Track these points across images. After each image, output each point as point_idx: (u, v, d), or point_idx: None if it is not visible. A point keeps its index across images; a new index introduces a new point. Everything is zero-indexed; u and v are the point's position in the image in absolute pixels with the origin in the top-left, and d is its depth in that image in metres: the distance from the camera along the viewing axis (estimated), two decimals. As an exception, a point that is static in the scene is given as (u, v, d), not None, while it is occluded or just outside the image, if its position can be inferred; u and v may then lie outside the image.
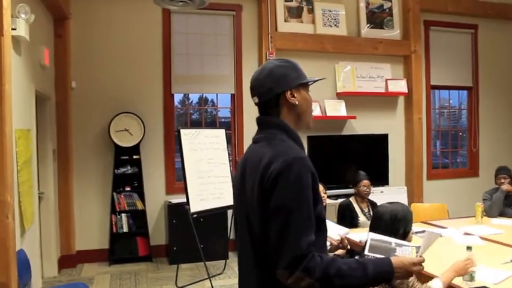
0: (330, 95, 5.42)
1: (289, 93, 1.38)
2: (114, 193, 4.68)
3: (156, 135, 4.95)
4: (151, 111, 4.94)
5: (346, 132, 5.46)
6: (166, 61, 4.98)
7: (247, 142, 5.16)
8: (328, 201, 4.72)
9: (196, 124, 5.55)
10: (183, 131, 4.11)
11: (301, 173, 1.24)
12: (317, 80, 1.47)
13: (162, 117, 4.98)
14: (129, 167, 4.76)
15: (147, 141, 4.88)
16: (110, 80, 4.83)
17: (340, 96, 5.44)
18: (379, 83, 5.61)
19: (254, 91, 1.41)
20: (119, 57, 4.86)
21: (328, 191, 4.45)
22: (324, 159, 5.18)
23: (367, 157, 5.39)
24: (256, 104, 1.42)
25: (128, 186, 4.76)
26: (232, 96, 5.25)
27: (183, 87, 5.11)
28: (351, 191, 4.14)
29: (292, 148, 1.32)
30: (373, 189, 4.27)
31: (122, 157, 4.71)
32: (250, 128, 5.14)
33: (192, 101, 5.70)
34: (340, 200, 4.27)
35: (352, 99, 5.46)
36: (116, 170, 4.68)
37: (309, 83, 1.44)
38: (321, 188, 3.64)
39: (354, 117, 5.38)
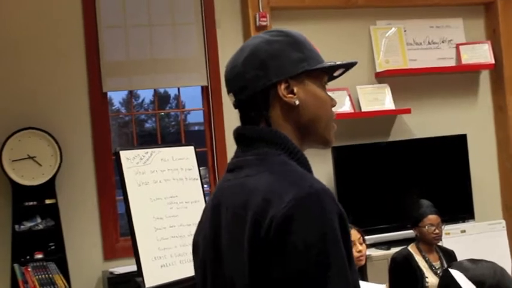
0: (364, 78, 5.46)
1: (283, 86, 1.41)
2: (16, 265, 4.59)
3: (81, 162, 4.95)
4: (72, 124, 4.93)
5: (395, 136, 5.48)
6: (90, 40, 4.99)
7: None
8: (372, 252, 4.75)
9: (149, 138, 5.49)
10: (124, 154, 4.08)
11: (325, 217, 1.23)
12: (339, 66, 1.49)
13: (90, 132, 4.99)
14: (38, 220, 4.71)
15: (68, 173, 4.87)
16: (-2, 78, 4.82)
17: (381, 78, 5.46)
18: (446, 51, 5.65)
19: (230, 84, 1.48)
20: (9, 40, 4.83)
21: (369, 237, 4.37)
22: (361, 183, 5.21)
23: (434, 175, 5.39)
24: (234, 104, 1.48)
25: (38, 252, 4.68)
26: (204, 89, 5.31)
27: (123, 80, 5.14)
28: (410, 234, 4.22)
29: (300, 174, 1.33)
30: (447, 228, 4.35)
31: (26, 203, 4.66)
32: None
33: (143, 101, 5.62)
34: (392, 251, 4.30)
35: (402, 81, 5.49)
36: (16, 226, 4.61)
37: (323, 70, 1.47)
38: (354, 235, 3.65)
39: (408, 111, 5.40)
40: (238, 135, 1.45)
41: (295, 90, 1.40)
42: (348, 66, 1.50)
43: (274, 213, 1.22)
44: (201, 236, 1.49)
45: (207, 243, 1.43)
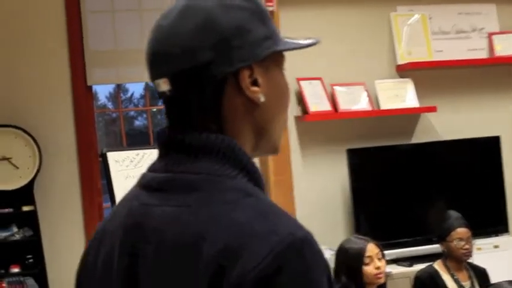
0: (384, 71, 5.45)
1: (247, 75, 1.18)
2: (-11, 280, 4.63)
3: (64, 164, 4.96)
4: (52, 121, 4.94)
5: (419, 138, 5.48)
6: (72, 26, 4.98)
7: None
8: (392, 269, 4.71)
9: (140, 137, 5.50)
10: (112, 155, 4.14)
11: (312, 280, 1.05)
12: (307, 46, 1.28)
13: (74, 131, 5.00)
14: (15, 229, 4.73)
15: (48, 177, 4.88)
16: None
17: (403, 71, 5.46)
18: (477, 42, 5.64)
19: (164, 64, 1.18)
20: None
21: (389, 252, 4.43)
22: (380, 191, 5.23)
23: (463, 183, 5.38)
24: (162, 94, 1.20)
25: (15, 266, 4.71)
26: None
27: (109, 72, 5.19)
28: (436, 248, 4.23)
29: (272, 211, 1.12)
30: (478, 243, 4.31)
31: (1, 210, 4.67)
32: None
33: (132, 95, 5.65)
34: (415, 269, 4.34)
35: (426, 75, 5.48)
36: (-11, 237, 4.66)
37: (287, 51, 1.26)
38: (372, 250, 3.68)
39: (433, 110, 5.38)
40: (170, 141, 1.19)
41: (259, 80, 1.19)
42: (310, 45, 1.31)
43: (240, 274, 1.03)
44: (93, 284, 1.25)
45: None
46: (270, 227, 1.06)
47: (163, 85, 1.18)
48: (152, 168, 1.21)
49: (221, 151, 1.15)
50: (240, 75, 1.17)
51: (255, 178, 1.18)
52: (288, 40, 1.26)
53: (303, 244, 1.06)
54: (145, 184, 1.21)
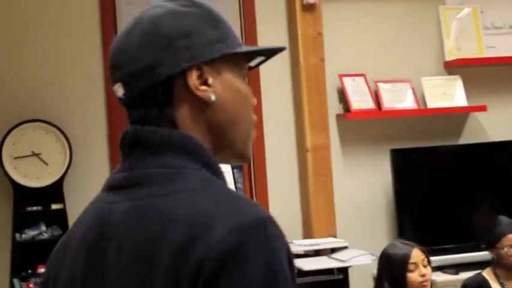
0: (431, 68, 5.44)
1: (195, 75, 1.27)
2: (16, 280, 4.64)
3: (94, 161, 4.98)
4: (84, 117, 4.96)
5: (467, 138, 5.47)
6: (106, 19, 5.01)
7: (273, 168, 5.05)
8: (437, 277, 4.68)
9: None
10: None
11: (274, 258, 1.12)
12: (269, 51, 1.37)
13: (106, 127, 5.02)
14: (43, 227, 4.74)
15: (78, 174, 4.89)
16: None
17: (452, 68, 5.44)
18: (531, 38, 5.63)
19: (117, 71, 1.31)
20: (12, 22, 4.86)
21: (434, 259, 4.35)
22: (424, 194, 5.25)
23: None
24: (120, 99, 1.32)
25: (42, 266, 4.68)
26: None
27: (144, 66, 5.10)
28: (483, 256, 4.25)
29: (236, 197, 1.22)
30: None
31: (29, 208, 4.70)
32: (276, 136, 5.07)
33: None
34: (462, 277, 4.31)
35: (476, 72, 5.49)
36: (17, 235, 4.66)
37: (245, 56, 1.35)
38: (417, 256, 3.62)
39: (483, 109, 5.36)
40: (133, 141, 1.27)
41: (210, 80, 1.27)
42: (275, 53, 1.38)
43: (204, 253, 1.10)
44: None
45: None
46: (233, 209, 1.15)
47: (119, 89, 1.29)
48: (117, 171, 1.30)
49: (183, 146, 1.25)
50: (187, 74, 1.25)
51: (218, 174, 1.26)
52: (251, 46, 1.37)
53: (265, 223, 1.13)
54: (113, 186, 1.29)
